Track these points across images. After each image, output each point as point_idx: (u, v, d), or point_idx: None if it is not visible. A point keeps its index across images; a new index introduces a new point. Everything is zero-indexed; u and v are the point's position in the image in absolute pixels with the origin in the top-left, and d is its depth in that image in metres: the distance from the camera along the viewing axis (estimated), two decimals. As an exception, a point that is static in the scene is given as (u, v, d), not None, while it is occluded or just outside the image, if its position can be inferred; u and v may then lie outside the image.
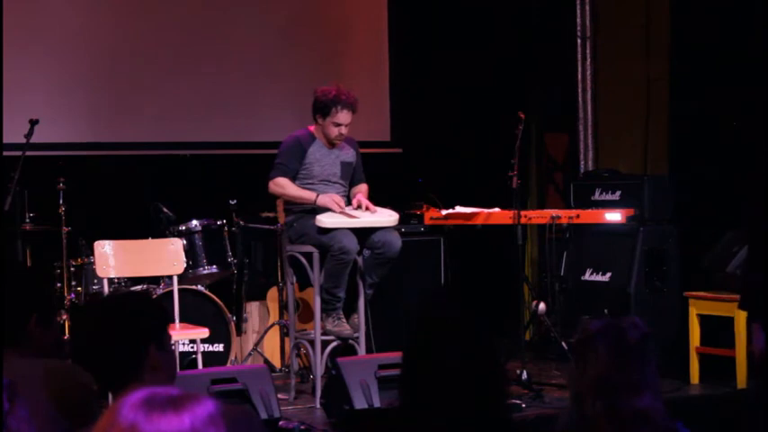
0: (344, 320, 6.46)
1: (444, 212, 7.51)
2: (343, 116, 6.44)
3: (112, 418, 1.65)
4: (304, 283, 7.01)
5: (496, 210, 7.39)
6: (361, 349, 6.51)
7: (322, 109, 6.46)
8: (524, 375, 6.49)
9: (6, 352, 2.85)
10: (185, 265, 6.67)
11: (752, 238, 4.47)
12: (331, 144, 6.54)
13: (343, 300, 6.45)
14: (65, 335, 6.64)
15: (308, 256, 6.46)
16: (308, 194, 6.43)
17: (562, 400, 5.93)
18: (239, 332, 7.46)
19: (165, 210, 7.29)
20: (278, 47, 8.36)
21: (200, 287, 7.06)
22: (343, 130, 6.48)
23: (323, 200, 6.38)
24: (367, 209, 6.46)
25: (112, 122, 7.85)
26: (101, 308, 2.78)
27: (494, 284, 8.01)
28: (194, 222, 7.22)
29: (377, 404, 5.57)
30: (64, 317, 6.75)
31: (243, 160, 8.12)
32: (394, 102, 8.74)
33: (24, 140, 6.56)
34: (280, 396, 5.87)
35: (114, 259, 6.37)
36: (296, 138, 6.55)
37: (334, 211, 6.38)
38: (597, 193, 7.70)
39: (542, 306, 7.53)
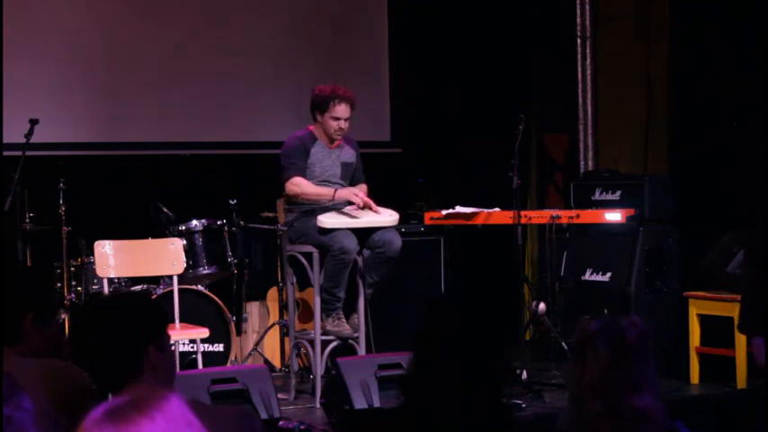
0: (344, 320, 6.46)
1: (444, 212, 7.51)
2: (342, 110, 6.44)
3: None
4: (304, 283, 7.01)
5: (496, 210, 7.39)
6: (361, 349, 6.51)
7: (320, 105, 6.47)
8: (524, 375, 6.49)
9: (6, 352, 2.85)
10: (185, 265, 6.66)
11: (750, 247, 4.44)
12: (331, 143, 6.53)
13: (343, 300, 6.45)
14: (65, 335, 6.64)
15: (308, 256, 6.46)
16: (325, 191, 6.44)
17: (562, 400, 5.93)
18: (239, 332, 7.46)
19: (165, 210, 7.29)
20: (278, 47, 8.36)
21: (200, 287, 7.06)
22: (343, 124, 6.46)
23: (341, 193, 6.40)
24: (370, 208, 6.46)
25: (112, 122, 7.85)
26: (100, 308, 2.78)
27: (494, 284, 8.00)
28: (194, 222, 7.22)
29: (377, 404, 5.57)
30: (63, 316, 6.74)
31: (243, 160, 8.12)
32: (394, 102, 8.74)
33: (24, 140, 6.56)
34: (280, 396, 5.86)
35: (114, 259, 6.37)
36: (298, 138, 6.54)
37: (335, 211, 6.39)
38: (597, 193, 7.70)
39: (542, 306, 7.53)
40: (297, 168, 6.46)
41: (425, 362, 2.46)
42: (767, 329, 4.04)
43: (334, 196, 6.41)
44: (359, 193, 6.43)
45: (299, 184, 6.46)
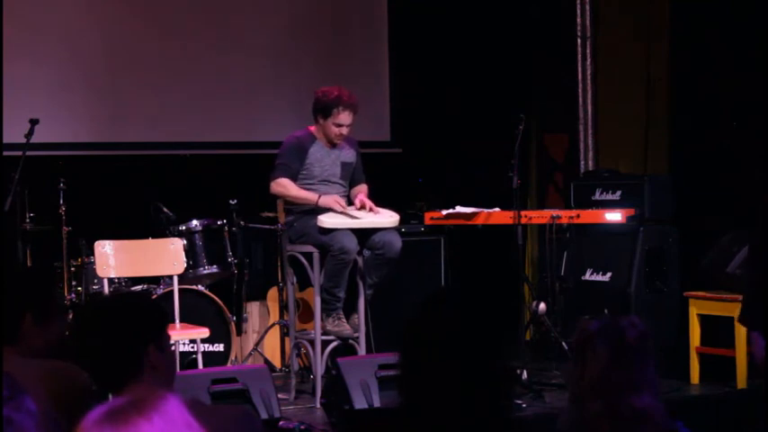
0: (344, 320, 6.46)
1: (444, 212, 7.51)
2: (345, 117, 6.44)
3: None
4: (304, 283, 7.01)
5: (496, 210, 7.39)
6: (361, 349, 6.51)
7: (323, 110, 6.46)
8: (524, 375, 6.49)
9: (6, 352, 2.85)
10: (185, 265, 6.67)
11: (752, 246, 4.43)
12: (331, 144, 6.54)
13: (344, 300, 6.45)
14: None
15: (308, 256, 6.46)
16: (309, 195, 6.43)
17: (562, 400, 5.93)
18: (239, 332, 7.46)
19: (165, 210, 7.29)
20: (278, 47, 8.36)
21: (200, 287, 7.06)
22: (345, 130, 6.47)
23: (325, 200, 6.38)
24: (370, 209, 6.46)
25: (112, 122, 7.85)
26: (100, 308, 2.78)
27: (494, 284, 8.00)
28: (194, 222, 7.22)
29: (377, 404, 5.57)
30: (71, 315, 6.73)
31: (243, 160, 8.12)
32: (394, 102, 8.74)
33: (24, 140, 6.56)
34: (280, 396, 5.87)
35: (114, 259, 6.37)
36: (297, 138, 6.55)
37: (335, 212, 6.39)
38: (597, 193, 7.70)
39: (542, 306, 7.53)
40: (286, 169, 6.46)
41: (424, 362, 2.45)
42: (767, 329, 4.04)
43: (317, 202, 6.39)
44: (341, 201, 6.41)
45: (284, 186, 6.46)
